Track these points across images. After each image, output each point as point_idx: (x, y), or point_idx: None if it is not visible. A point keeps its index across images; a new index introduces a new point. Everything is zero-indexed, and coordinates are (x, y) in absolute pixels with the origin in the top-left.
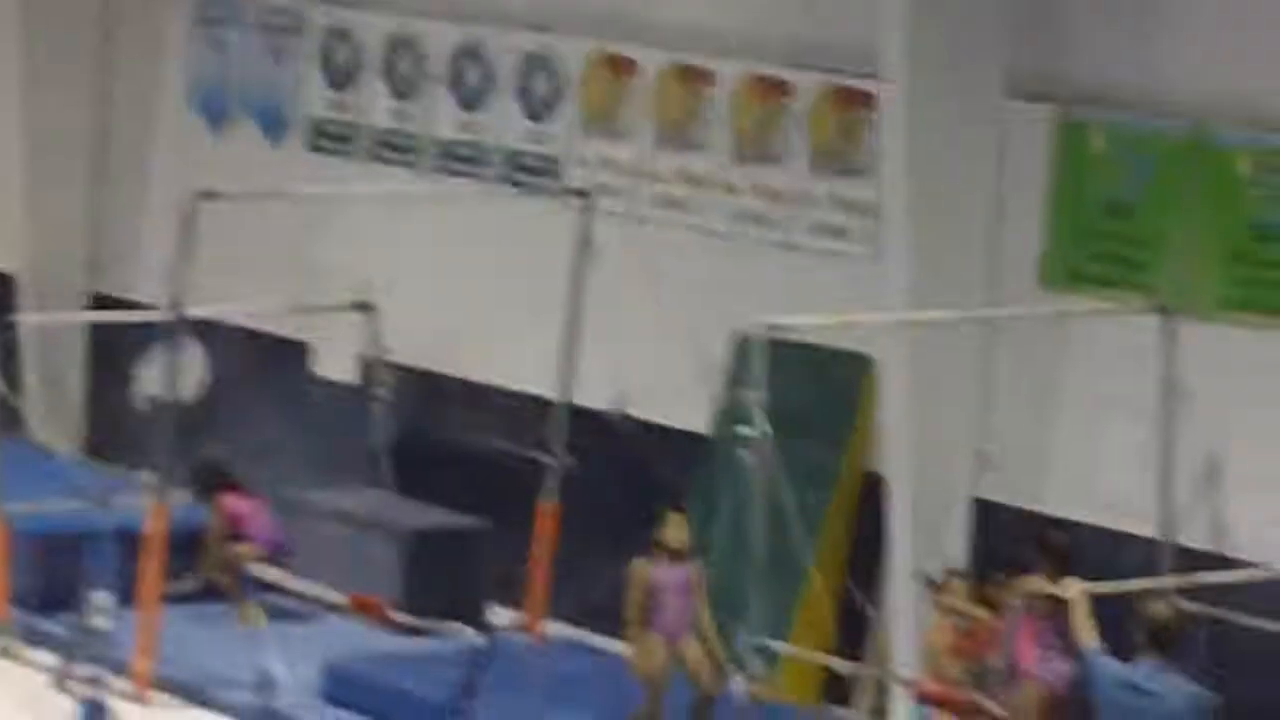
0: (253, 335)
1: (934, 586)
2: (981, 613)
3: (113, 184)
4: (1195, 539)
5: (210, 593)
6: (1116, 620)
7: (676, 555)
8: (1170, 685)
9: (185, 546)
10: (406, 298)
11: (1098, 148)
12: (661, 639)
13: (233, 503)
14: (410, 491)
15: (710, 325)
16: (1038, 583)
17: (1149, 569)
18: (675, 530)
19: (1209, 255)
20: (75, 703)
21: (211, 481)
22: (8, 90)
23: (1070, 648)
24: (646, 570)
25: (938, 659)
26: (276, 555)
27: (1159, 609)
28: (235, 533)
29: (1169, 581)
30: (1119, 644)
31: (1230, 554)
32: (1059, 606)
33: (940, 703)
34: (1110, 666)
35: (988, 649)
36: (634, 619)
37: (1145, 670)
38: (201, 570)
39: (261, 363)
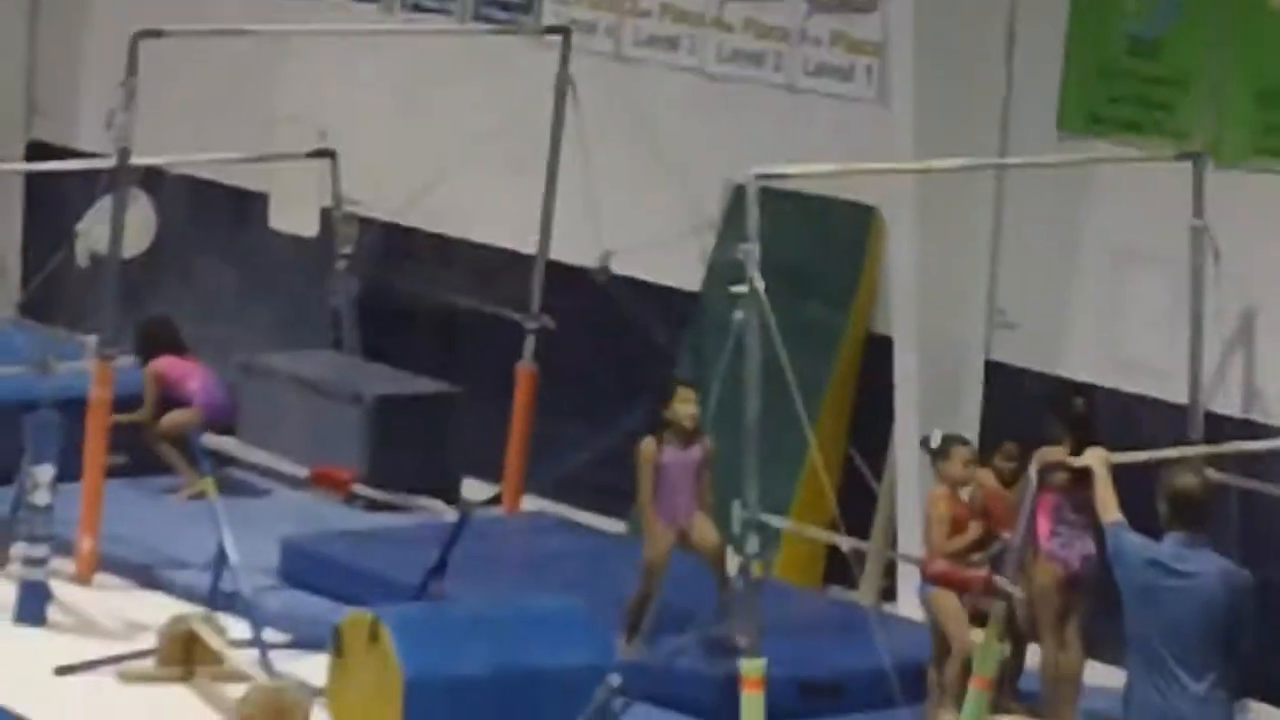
0: (204, 186)
1: (934, 454)
2: (993, 483)
3: (48, 20)
4: (1225, 404)
5: (150, 467)
6: (1140, 493)
7: (687, 434)
8: (1201, 563)
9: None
10: (370, 145)
11: None
12: (668, 523)
13: (169, 364)
14: (375, 355)
15: (702, 175)
16: (1056, 452)
17: (1175, 437)
18: (684, 405)
19: (1241, 96)
20: (14, 585)
21: (152, 345)
22: None
23: (1089, 523)
24: (654, 449)
25: (937, 532)
26: (218, 418)
27: (1186, 480)
28: (173, 397)
29: (1198, 450)
30: (1142, 518)
31: (1263, 420)
32: (1078, 478)
33: (951, 582)
34: (1135, 542)
35: (998, 523)
36: (644, 502)
37: (1172, 547)
38: (146, 442)
39: (214, 216)
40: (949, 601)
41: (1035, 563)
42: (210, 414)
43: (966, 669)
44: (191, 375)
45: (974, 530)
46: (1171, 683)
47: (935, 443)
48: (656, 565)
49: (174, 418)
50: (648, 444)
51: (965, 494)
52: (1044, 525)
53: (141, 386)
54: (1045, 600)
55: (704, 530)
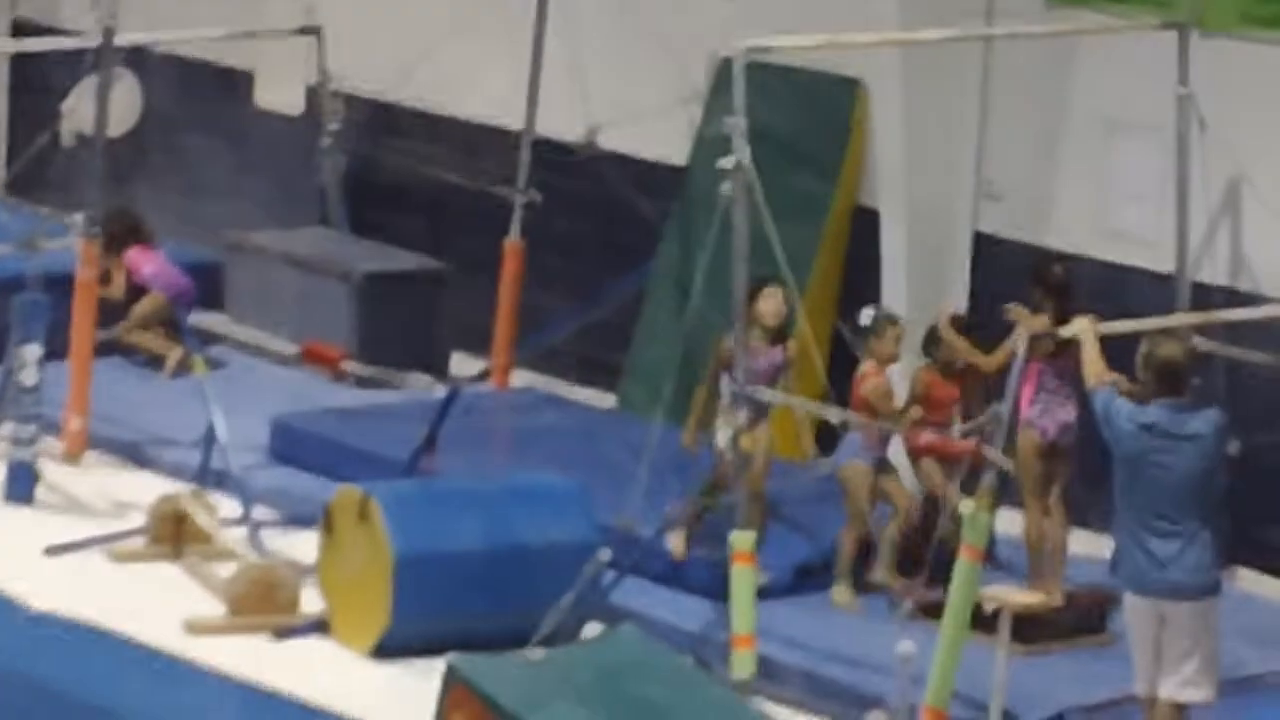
0: (189, 64)
1: (866, 331)
2: (971, 352)
3: None
4: (1212, 273)
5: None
6: (1127, 362)
7: (772, 333)
8: (1195, 424)
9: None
10: (356, 21)
11: None
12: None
13: (132, 257)
14: (363, 231)
15: (688, 49)
16: (1041, 321)
17: (1162, 306)
18: (770, 303)
19: None
20: (2, 465)
21: (116, 237)
22: None
23: (1070, 392)
24: (728, 348)
25: (885, 404)
26: (180, 300)
27: (1169, 348)
28: (136, 285)
29: (1185, 319)
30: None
31: (1249, 289)
32: (1063, 348)
33: (938, 453)
34: (1125, 408)
35: (936, 409)
36: (696, 402)
37: (1163, 411)
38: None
39: (200, 94)
40: (857, 476)
41: (1016, 430)
42: (171, 295)
43: (860, 544)
44: (147, 261)
45: (915, 413)
46: (1163, 544)
47: (866, 321)
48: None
49: (140, 309)
50: (724, 342)
51: (896, 374)
52: (1027, 393)
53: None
54: (1026, 467)
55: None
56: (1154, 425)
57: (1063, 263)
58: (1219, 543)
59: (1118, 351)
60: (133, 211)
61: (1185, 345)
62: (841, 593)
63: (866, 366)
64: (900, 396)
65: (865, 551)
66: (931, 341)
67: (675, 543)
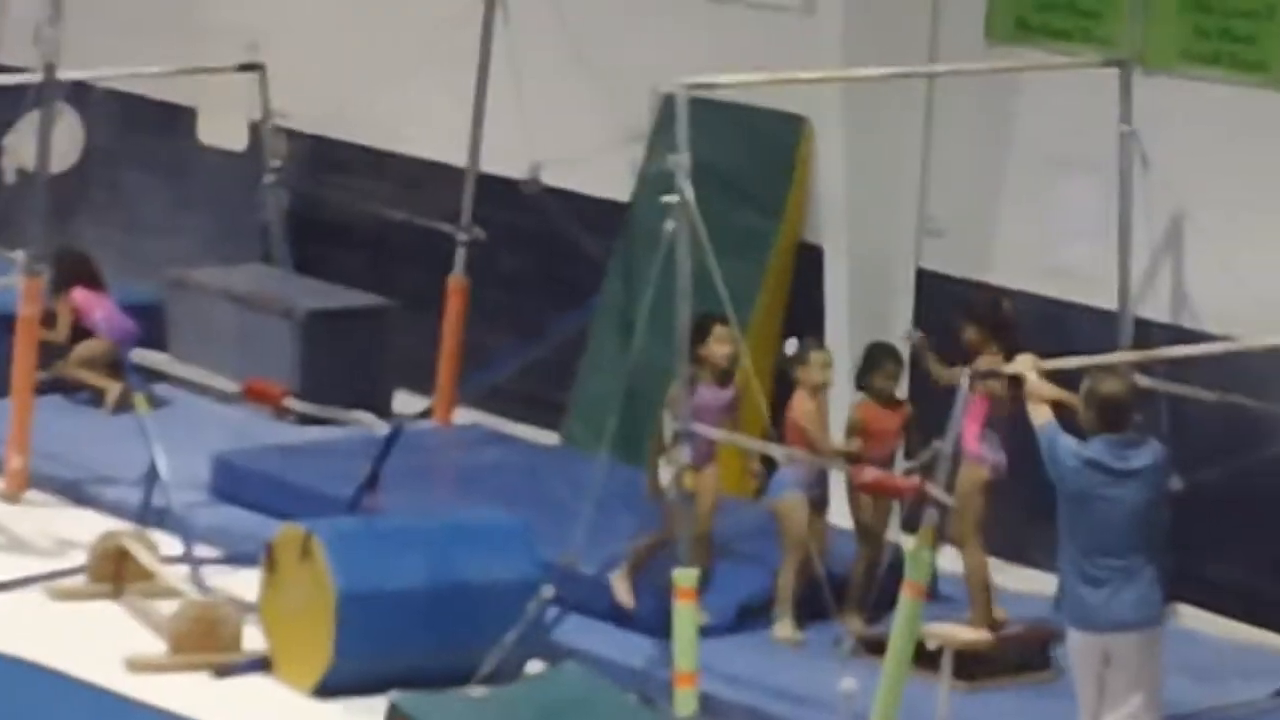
0: (132, 100)
1: (792, 361)
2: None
3: None
4: (1154, 310)
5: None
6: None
7: (722, 374)
8: (1139, 459)
9: None
10: (299, 57)
11: None
12: (700, 465)
13: (81, 296)
14: (306, 268)
15: (631, 86)
16: (989, 359)
17: (1105, 343)
18: (721, 346)
19: (1169, 3)
20: None
21: (68, 276)
22: None
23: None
24: (683, 391)
25: (816, 433)
26: (125, 345)
27: (1111, 384)
28: (81, 326)
29: (1127, 356)
30: (1072, 424)
31: (1191, 325)
32: (1006, 385)
33: (883, 490)
34: (1070, 445)
35: (874, 441)
36: (659, 441)
37: (1106, 447)
38: (55, 368)
39: (142, 130)
40: (792, 508)
41: (961, 467)
42: (117, 340)
43: (800, 574)
44: (97, 306)
45: (852, 444)
46: (1108, 579)
47: (791, 350)
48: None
49: (84, 349)
50: (676, 388)
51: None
52: (973, 429)
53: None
54: (972, 503)
55: (706, 475)
56: (1097, 461)
57: (1007, 298)
58: (1162, 578)
59: (1060, 387)
60: (82, 252)
61: (1128, 381)
62: (784, 628)
63: (797, 396)
64: (838, 428)
65: (808, 585)
66: (866, 373)
67: (622, 591)
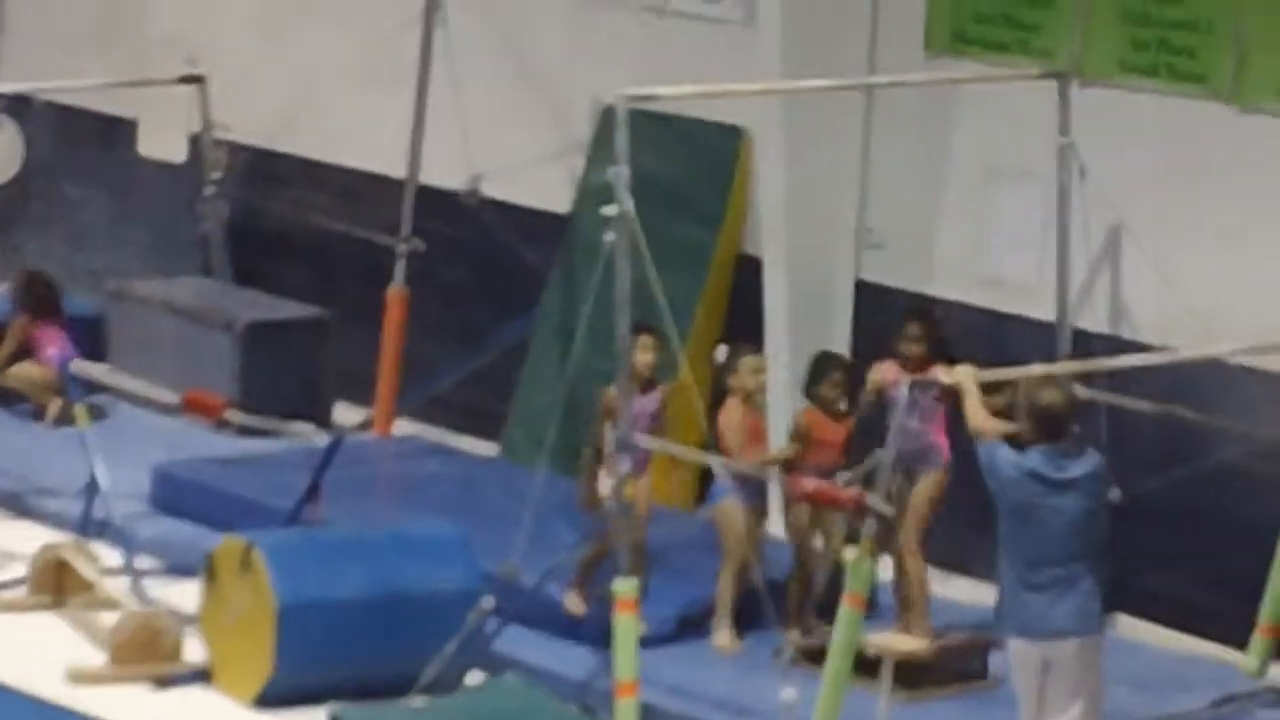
0: (72, 113)
1: (723, 368)
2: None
3: None
4: (1093, 321)
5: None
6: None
7: (645, 382)
8: (1077, 468)
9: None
10: (238, 69)
11: None
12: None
13: (40, 325)
14: (246, 280)
15: (570, 97)
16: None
17: (1044, 354)
18: (643, 354)
19: (1105, 13)
20: None
21: (31, 299)
22: None
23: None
24: (614, 398)
25: (731, 439)
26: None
27: (1049, 395)
28: (27, 351)
29: (1066, 367)
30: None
31: (1130, 336)
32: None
33: (822, 500)
34: (1010, 457)
35: (821, 449)
36: (594, 452)
37: (1044, 459)
38: None
39: (82, 143)
40: (729, 515)
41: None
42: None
43: (739, 582)
44: (53, 341)
45: (789, 450)
46: (1048, 588)
47: (721, 358)
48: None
49: (24, 373)
50: (609, 392)
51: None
52: (941, 435)
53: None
54: (922, 511)
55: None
56: (1036, 472)
57: (935, 310)
58: (1101, 587)
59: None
60: (48, 279)
61: (1065, 392)
62: (722, 636)
63: (727, 404)
64: (778, 435)
65: (748, 594)
66: (813, 382)
67: (572, 603)
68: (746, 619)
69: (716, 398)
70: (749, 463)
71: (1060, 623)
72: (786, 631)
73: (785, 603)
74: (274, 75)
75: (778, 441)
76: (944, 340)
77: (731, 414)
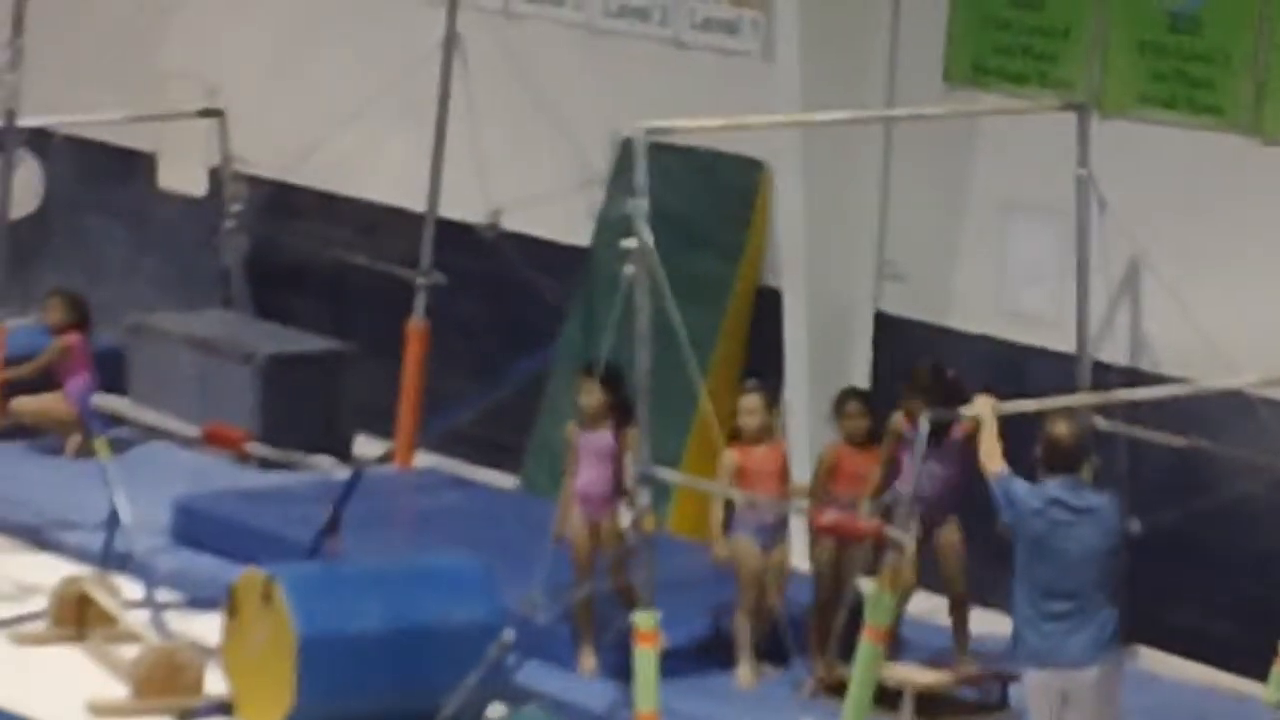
0: (92, 146)
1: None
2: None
3: None
4: (1112, 353)
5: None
6: (1027, 442)
7: (591, 419)
8: (1092, 499)
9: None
10: (258, 103)
11: None
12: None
13: (79, 349)
14: (266, 313)
15: (589, 130)
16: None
17: (1063, 386)
18: (586, 395)
19: (1124, 46)
20: None
21: (79, 321)
22: None
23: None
24: (574, 432)
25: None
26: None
27: (1059, 427)
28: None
29: (1085, 399)
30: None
31: (1149, 369)
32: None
33: (843, 532)
34: (1025, 487)
35: (844, 481)
36: (565, 485)
37: (1061, 488)
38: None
39: (102, 176)
40: (743, 553)
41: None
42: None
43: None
44: (79, 371)
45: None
46: (1064, 618)
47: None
48: (578, 551)
49: (37, 406)
50: (570, 426)
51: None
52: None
53: (32, 348)
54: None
55: (608, 520)
56: (1053, 502)
57: (946, 368)
58: (1119, 618)
59: (1020, 432)
60: (76, 296)
61: (1075, 424)
62: (744, 672)
63: (727, 447)
64: (800, 470)
65: (769, 628)
66: (834, 418)
67: (585, 660)
68: (769, 653)
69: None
70: (767, 498)
71: (1077, 652)
72: (812, 663)
73: (806, 636)
74: (294, 108)
75: (801, 474)
76: (957, 389)
77: (724, 457)
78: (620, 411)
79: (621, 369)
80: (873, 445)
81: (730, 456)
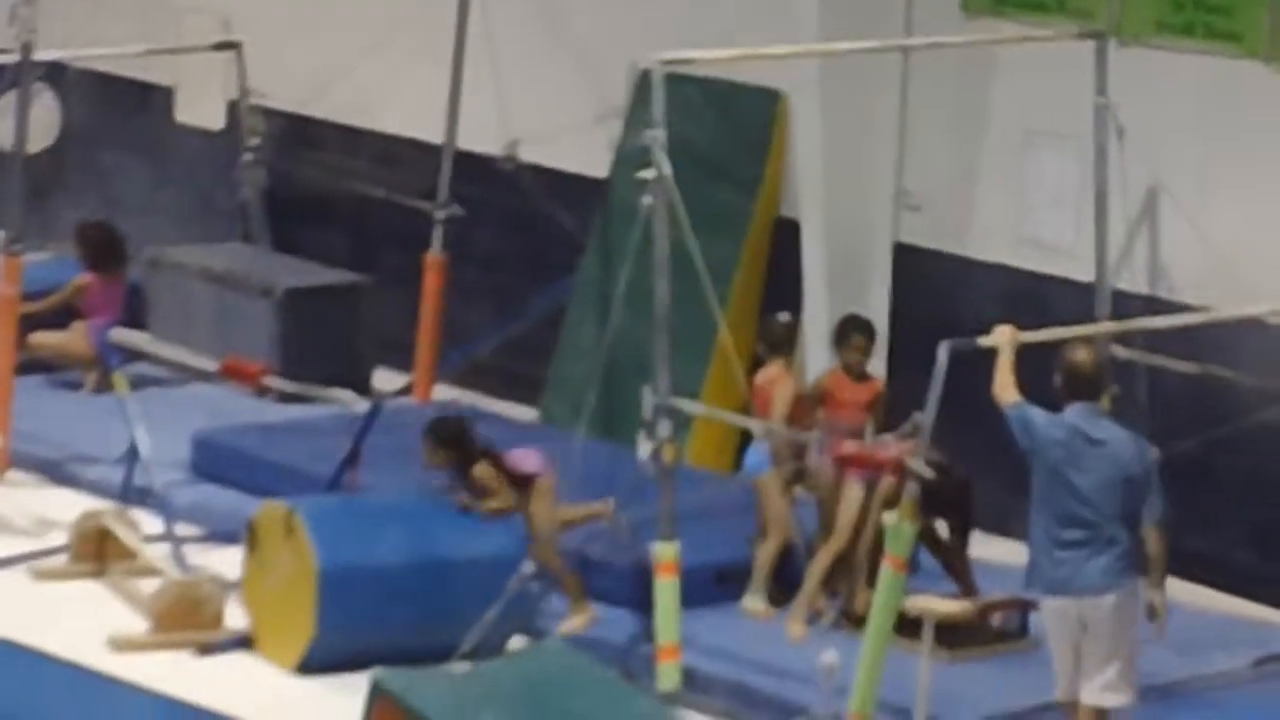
0: (109, 80)
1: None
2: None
3: None
4: (1131, 282)
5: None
6: (1044, 371)
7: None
8: (1110, 430)
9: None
10: (275, 35)
11: None
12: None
13: (96, 289)
14: (284, 246)
15: (608, 61)
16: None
17: (1082, 315)
18: (430, 457)
19: None
20: None
21: (103, 256)
22: None
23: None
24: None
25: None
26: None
27: (1077, 354)
28: (76, 310)
29: (1104, 328)
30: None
31: (1167, 296)
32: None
33: (861, 464)
34: (1043, 417)
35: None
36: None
37: (1080, 417)
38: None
39: (120, 109)
40: (773, 491)
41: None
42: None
43: (782, 553)
44: (100, 309)
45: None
46: (1081, 545)
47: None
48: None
49: (52, 341)
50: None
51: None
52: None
53: (49, 282)
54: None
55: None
56: (1078, 428)
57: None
58: (1135, 549)
59: (1038, 361)
60: (108, 228)
61: (1094, 351)
62: (753, 600)
63: (779, 373)
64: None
65: (787, 559)
66: (835, 346)
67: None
68: (784, 586)
69: (756, 362)
70: (783, 428)
71: (1095, 579)
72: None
73: (810, 564)
74: (311, 40)
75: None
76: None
77: (783, 386)
78: (463, 458)
79: (450, 421)
80: (868, 378)
81: (816, 381)
